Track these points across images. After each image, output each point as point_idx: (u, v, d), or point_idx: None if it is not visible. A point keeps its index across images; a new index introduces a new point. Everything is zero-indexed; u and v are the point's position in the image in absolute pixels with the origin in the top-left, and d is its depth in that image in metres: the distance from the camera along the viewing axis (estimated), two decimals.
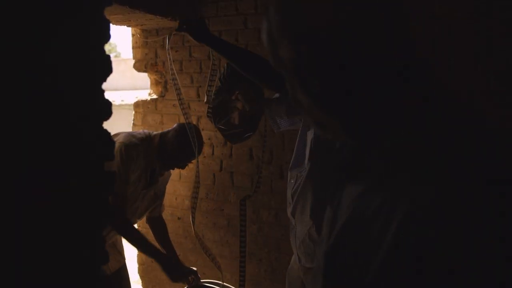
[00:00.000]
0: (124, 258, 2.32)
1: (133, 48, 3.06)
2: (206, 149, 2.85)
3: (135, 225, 2.41)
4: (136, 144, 2.06)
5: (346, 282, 0.53)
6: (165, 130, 2.27)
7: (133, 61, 3.08)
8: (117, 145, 2.00)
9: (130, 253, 3.56)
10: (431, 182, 0.48)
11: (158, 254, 2.08)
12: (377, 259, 0.49)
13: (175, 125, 2.27)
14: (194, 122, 2.88)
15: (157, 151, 2.14)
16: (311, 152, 1.62)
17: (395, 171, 0.53)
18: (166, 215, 3.02)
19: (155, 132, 2.24)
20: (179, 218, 2.99)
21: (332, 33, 0.53)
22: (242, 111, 1.81)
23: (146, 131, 2.23)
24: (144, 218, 2.43)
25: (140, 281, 3.18)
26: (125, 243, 2.28)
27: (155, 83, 3.08)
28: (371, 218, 0.52)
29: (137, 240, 2.06)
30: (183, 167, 2.28)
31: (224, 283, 2.19)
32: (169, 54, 2.02)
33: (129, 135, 2.10)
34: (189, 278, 2.11)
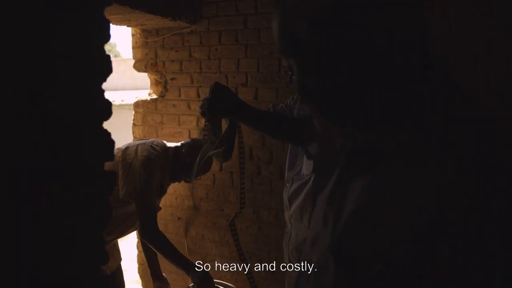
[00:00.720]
0: (120, 258, 2.32)
1: (133, 48, 3.06)
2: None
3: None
4: (158, 157, 2.09)
5: (362, 269, 0.52)
6: (179, 143, 2.27)
7: (133, 61, 3.08)
8: (141, 158, 2.02)
9: (131, 253, 3.56)
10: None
11: (190, 266, 2.04)
12: (405, 243, 0.47)
13: (189, 140, 2.28)
14: (194, 122, 2.89)
15: (172, 164, 2.16)
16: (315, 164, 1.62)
17: (409, 164, 0.52)
18: (166, 215, 3.02)
19: (169, 144, 2.24)
20: (179, 218, 2.99)
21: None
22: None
23: (159, 140, 2.22)
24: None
25: (140, 281, 3.18)
26: (122, 242, 2.28)
27: (155, 83, 3.08)
28: (389, 204, 0.51)
29: (171, 252, 2.05)
30: (190, 181, 2.29)
31: (228, 283, 2.18)
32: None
33: (150, 147, 2.09)
34: None
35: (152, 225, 2.05)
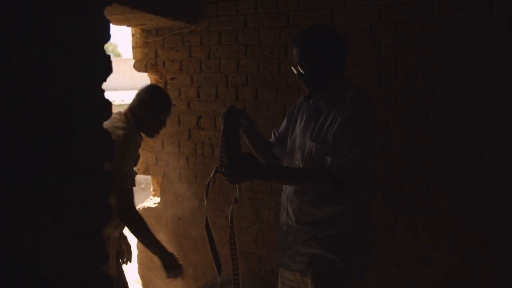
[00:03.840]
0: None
1: (133, 48, 3.06)
2: (206, 149, 2.86)
3: None
4: (130, 130, 2.06)
5: None
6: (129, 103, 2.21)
7: (133, 61, 3.08)
8: (121, 133, 1.98)
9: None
10: None
11: (163, 250, 2.08)
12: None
13: (137, 92, 2.21)
14: (194, 122, 2.89)
15: (134, 124, 2.11)
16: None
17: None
18: (166, 215, 3.02)
19: (122, 111, 2.17)
20: (179, 218, 2.99)
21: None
22: None
23: (118, 112, 2.15)
24: None
25: (140, 281, 3.18)
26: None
27: (155, 83, 3.08)
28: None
29: (147, 233, 2.07)
30: (160, 126, 2.20)
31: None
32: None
33: (114, 128, 2.02)
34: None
35: (133, 205, 2.04)
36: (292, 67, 1.72)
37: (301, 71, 1.65)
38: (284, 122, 1.90)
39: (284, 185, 1.77)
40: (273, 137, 1.94)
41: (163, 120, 2.21)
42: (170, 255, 2.09)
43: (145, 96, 2.15)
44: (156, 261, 2.38)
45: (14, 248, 0.67)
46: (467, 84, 2.20)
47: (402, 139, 2.35)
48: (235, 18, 2.69)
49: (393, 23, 2.31)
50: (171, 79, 2.95)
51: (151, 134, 2.22)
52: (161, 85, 3.01)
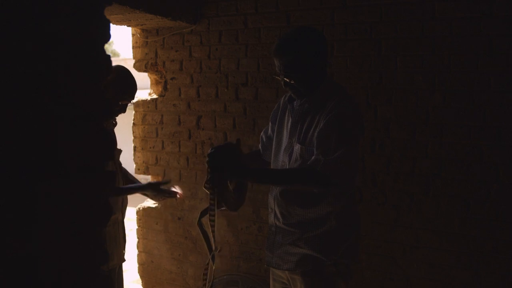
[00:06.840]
0: (123, 259, 2.28)
1: (133, 48, 3.06)
2: (206, 149, 2.85)
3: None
4: None
5: None
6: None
7: (133, 61, 3.08)
8: None
9: (130, 253, 3.57)
10: None
11: (138, 186, 2.23)
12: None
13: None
14: (194, 122, 2.89)
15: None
16: None
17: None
18: (166, 215, 3.02)
19: None
20: (179, 218, 3.00)
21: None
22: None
23: None
24: None
25: (140, 281, 3.18)
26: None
27: (155, 83, 3.08)
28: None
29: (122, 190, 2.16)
30: (120, 111, 2.10)
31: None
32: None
33: None
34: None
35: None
36: (276, 77, 1.68)
37: (288, 80, 1.60)
38: (269, 125, 1.89)
39: (270, 187, 1.78)
40: (260, 143, 1.94)
41: (124, 106, 2.10)
42: (151, 185, 2.25)
43: (112, 77, 1.98)
44: (156, 261, 2.37)
45: (14, 248, 0.67)
46: (467, 84, 2.20)
47: (402, 139, 2.35)
48: (235, 18, 2.69)
49: (393, 23, 2.31)
50: (171, 79, 2.95)
51: (109, 117, 2.07)
52: (161, 85, 3.02)
